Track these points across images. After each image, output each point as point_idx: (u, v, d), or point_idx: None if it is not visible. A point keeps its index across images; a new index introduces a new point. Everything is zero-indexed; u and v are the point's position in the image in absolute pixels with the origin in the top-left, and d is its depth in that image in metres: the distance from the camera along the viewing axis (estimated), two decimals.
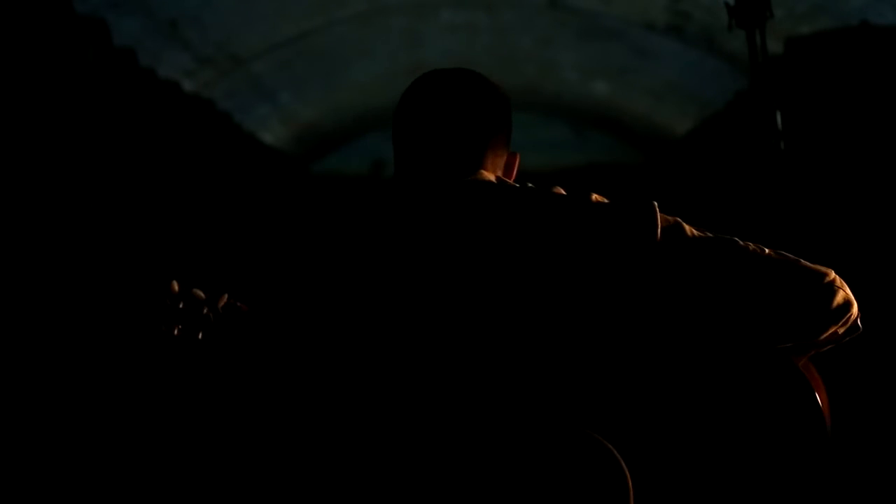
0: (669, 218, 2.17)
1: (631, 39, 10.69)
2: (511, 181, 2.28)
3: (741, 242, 2.17)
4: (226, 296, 2.16)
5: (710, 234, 2.17)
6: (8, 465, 4.15)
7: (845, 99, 6.28)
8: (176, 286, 2.14)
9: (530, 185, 2.22)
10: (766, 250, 2.17)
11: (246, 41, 10.01)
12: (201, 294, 2.15)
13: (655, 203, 2.16)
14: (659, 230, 2.15)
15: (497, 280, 2.14)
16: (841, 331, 2.18)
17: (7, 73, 5.30)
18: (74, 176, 5.81)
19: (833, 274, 2.16)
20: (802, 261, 2.17)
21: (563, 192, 2.19)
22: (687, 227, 2.17)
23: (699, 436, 2.15)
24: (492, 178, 2.21)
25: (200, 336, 2.14)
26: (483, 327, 2.13)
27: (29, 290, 5.09)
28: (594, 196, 2.19)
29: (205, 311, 2.14)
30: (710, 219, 2.24)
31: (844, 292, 2.16)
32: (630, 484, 2.05)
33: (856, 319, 2.19)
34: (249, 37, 9.96)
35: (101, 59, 6.21)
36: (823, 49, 6.50)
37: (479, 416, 2.12)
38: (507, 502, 2.06)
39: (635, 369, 2.16)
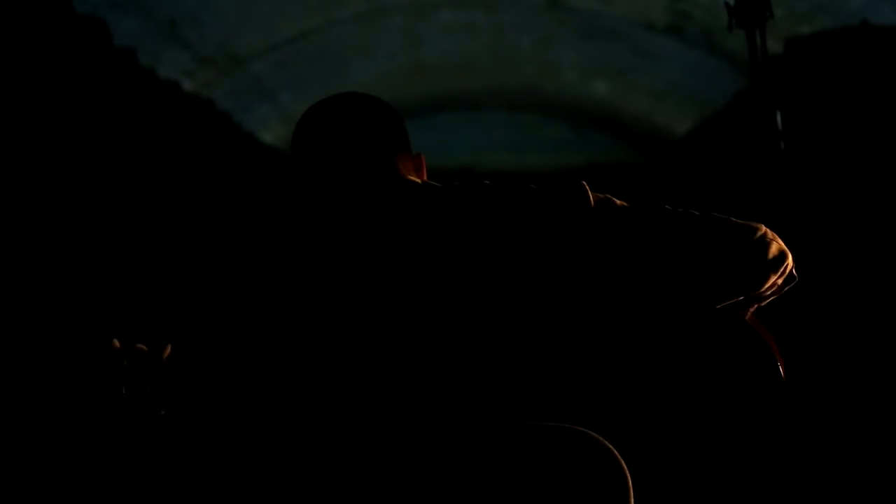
0: (600, 194, 2.23)
1: (631, 39, 10.69)
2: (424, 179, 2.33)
3: (670, 207, 2.22)
4: (169, 346, 2.16)
5: (638, 204, 2.21)
6: None
7: (845, 99, 6.28)
8: (117, 343, 2.12)
9: (457, 182, 2.26)
10: (696, 213, 2.21)
11: (246, 41, 10.01)
12: (144, 347, 2.14)
13: (585, 182, 2.22)
14: (591, 198, 2.19)
15: (454, 276, 2.15)
16: (780, 281, 2.22)
17: (7, 73, 5.30)
18: (74, 176, 5.81)
19: (764, 227, 2.22)
20: (733, 218, 2.21)
21: (488, 182, 2.23)
22: (617, 200, 2.22)
23: (658, 402, 2.17)
24: (416, 179, 2.26)
25: (149, 390, 2.12)
26: (447, 323, 2.14)
27: (26, 290, 5.09)
28: (526, 184, 2.23)
29: (150, 364, 2.13)
30: None
31: (778, 243, 2.22)
32: (630, 483, 2.06)
33: (792, 269, 2.23)
34: (249, 37, 9.96)
35: (101, 59, 6.21)
36: (823, 49, 6.50)
37: (464, 417, 2.12)
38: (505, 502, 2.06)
39: (594, 344, 2.18)
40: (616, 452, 2.06)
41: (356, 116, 2.30)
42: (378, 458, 2.11)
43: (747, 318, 2.22)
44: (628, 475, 2.05)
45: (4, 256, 5.09)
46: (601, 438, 2.07)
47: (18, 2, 5.39)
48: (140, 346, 2.14)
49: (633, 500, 2.05)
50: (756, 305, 2.24)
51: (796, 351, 2.26)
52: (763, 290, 2.20)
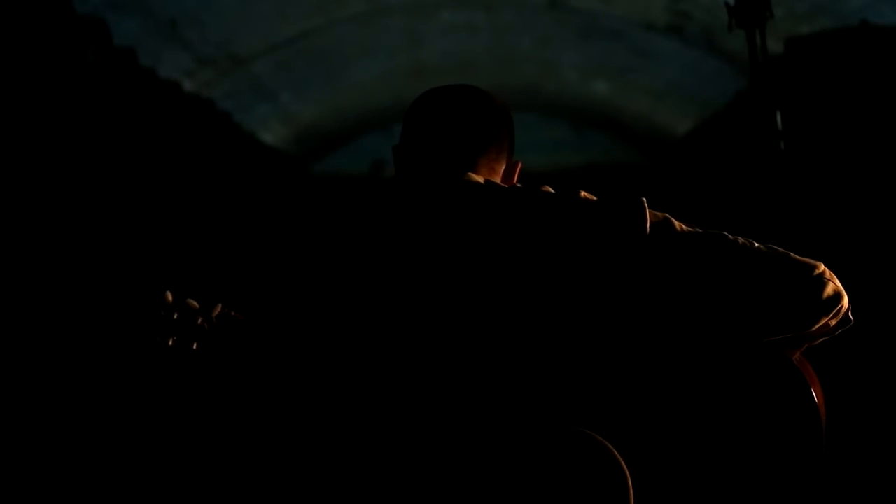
0: (659, 214, 2.20)
1: (631, 39, 10.68)
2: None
3: (730, 236, 2.19)
4: (220, 305, 2.16)
5: (699, 229, 2.19)
6: (7, 468, 4.15)
7: (845, 99, 6.28)
8: (170, 296, 2.13)
9: (519, 185, 2.25)
10: (756, 244, 2.19)
11: (246, 41, 10.01)
12: (195, 304, 2.15)
13: (644, 199, 2.19)
14: (648, 224, 2.17)
15: (490, 278, 2.15)
16: (833, 323, 2.19)
17: (7, 73, 5.30)
18: (74, 176, 5.81)
19: (822, 266, 2.19)
20: (792, 254, 2.19)
21: (552, 191, 2.21)
22: (676, 223, 2.19)
23: (695, 430, 2.16)
24: (479, 179, 2.25)
25: (195, 346, 2.13)
26: (480, 326, 2.13)
27: (27, 291, 5.09)
28: (582, 193, 2.21)
29: (199, 321, 2.14)
30: (710, 219, 2.25)
31: (834, 284, 2.18)
32: (630, 484, 2.06)
33: (847, 311, 2.20)
34: (249, 37, 9.96)
35: (101, 59, 6.21)
36: (823, 49, 6.50)
37: (479, 416, 2.12)
38: (508, 502, 2.06)
39: (631, 365, 2.17)
40: (617, 454, 2.06)
41: (458, 112, 2.31)
42: (381, 454, 2.11)
43: (796, 357, 2.19)
44: (629, 477, 2.05)
45: (4, 256, 5.09)
46: (602, 440, 2.07)
47: (18, 2, 5.38)
48: (191, 301, 2.14)
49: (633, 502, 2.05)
50: (806, 345, 2.21)
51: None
52: (814, 329, 2.18)
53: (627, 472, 2.06)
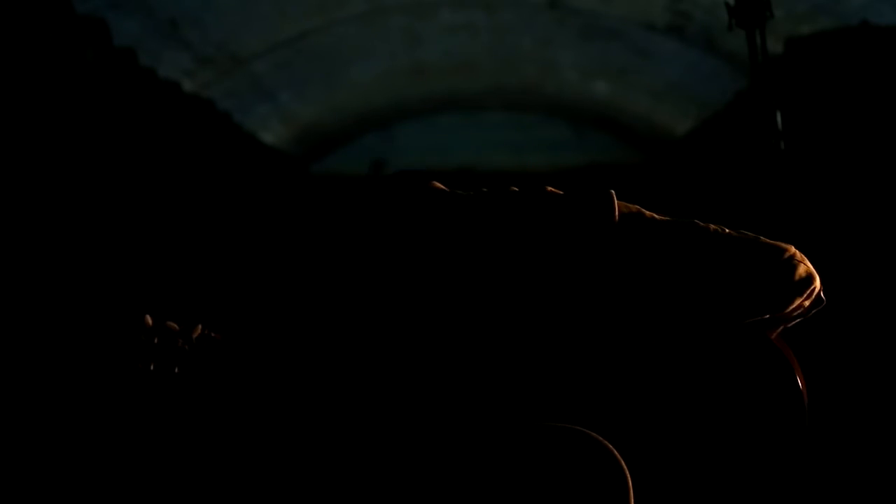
0: (630, 206, 2.23)
1: (631, 39, 10.69)
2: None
3: (701, 224, 2.22)
4: (200, 326, 2.15)
5: (669, 218, 2.21)
6: None
7: (845, 99, 6.29)
8: (149, 320, 2.12)
9: (484, 189, 2.27)
10: (727, 230, 2.22)
11: (246, 41, 10.01)
12: (175, 326, 2.14)
13: (612, 191, 2.21)
14: (616, 212, 2.19)
15: (468, 280, 2.16)
16: (807, 303, 2.23)
17: (7, 73, 5.30)
18: (74, 176, 5.82)
19: (793, 249, 2.22)
20: (762, 238, 2.22)
21: (517, 189, 2.23)
22: (647, 213, 2.22)
23: (682, 413, 2.17)
24: (444, 188, 2.27)
25: (177, 370, 2.12)
26: (466, 327, 2.14)
27: (27, 290, 5.09)
28: (548, 188, 2.23)
29: (179, 343, 2.13)
30: (711, 219, 2.26)
31: (806, 265, 2.22)
32: (630, 484, 2.06)
33: (819, 292, 2.24)
34: (249, 37, 9.96)
35: (101, 59, 6.21)
36: (823, 49, 6.50)
37: (476, 416, 2.12)
38: (508, 502, 2.06)
39: (614, 354, 2.18)
40: (616, 453, 2.06)
41: None
42: (380, 454, 2.12)
43: (773, 337, 2.22)
44: (628, 475, 2.05)
45: (5, 254, 5.09)
46: (601, 439, 2.07)
47: (18, 2, 5.39)
48: (171, 323, 2.13)
49: (633, 501, 2.05)
50: (782, 326, 2.24)
51: (796, 350, 2.27)
52: (788, 310, 2.21)
53: (627, 472, 2.06)
